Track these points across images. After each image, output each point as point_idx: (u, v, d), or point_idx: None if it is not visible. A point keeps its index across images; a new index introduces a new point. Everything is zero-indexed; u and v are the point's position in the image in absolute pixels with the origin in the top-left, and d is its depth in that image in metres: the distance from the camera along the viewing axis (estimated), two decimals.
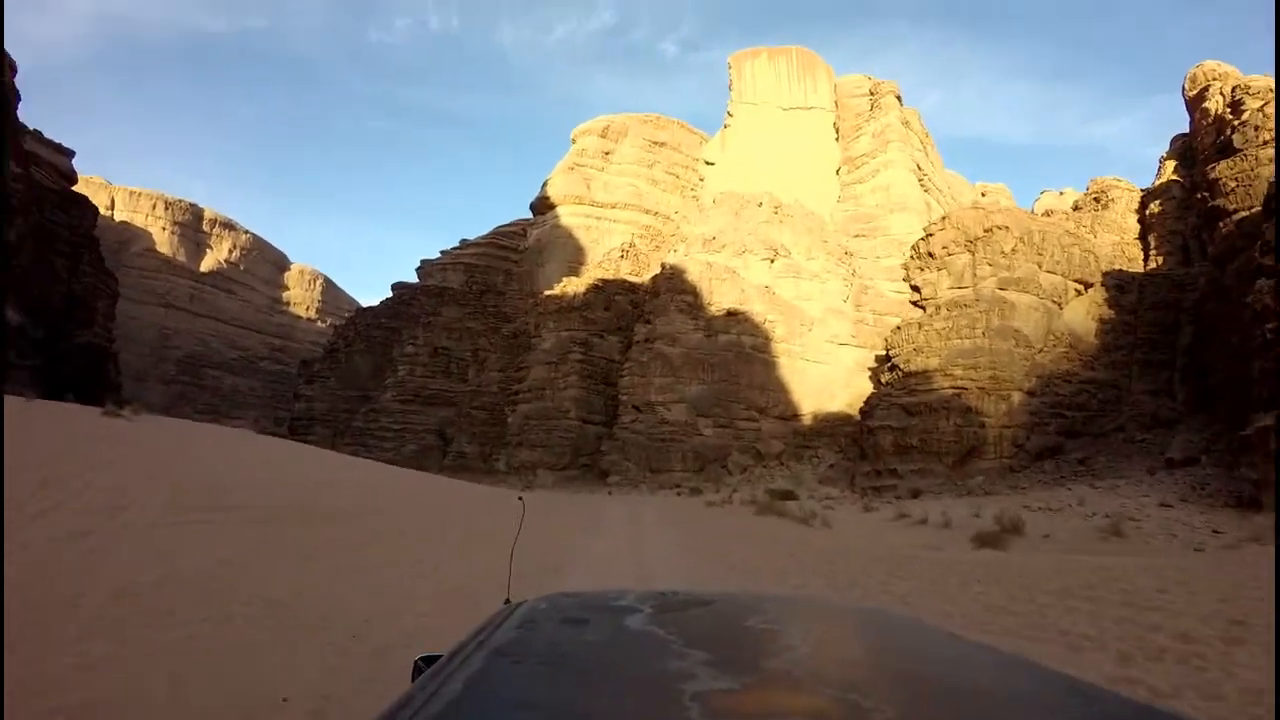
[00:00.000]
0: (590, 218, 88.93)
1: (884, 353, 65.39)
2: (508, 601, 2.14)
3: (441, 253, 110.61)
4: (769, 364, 61.85)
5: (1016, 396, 41.54)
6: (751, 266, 65.81)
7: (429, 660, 2.14)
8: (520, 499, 4.86)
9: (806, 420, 61.80)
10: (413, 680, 2.05)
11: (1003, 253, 45.33)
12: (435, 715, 1.15)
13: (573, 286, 71.26)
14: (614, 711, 1.24)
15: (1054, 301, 45.26)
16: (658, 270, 69.12)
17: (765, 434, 59.49)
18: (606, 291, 70.76)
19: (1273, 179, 30.29)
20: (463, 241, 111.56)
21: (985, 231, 46.06)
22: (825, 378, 63.79)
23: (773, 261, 66.91)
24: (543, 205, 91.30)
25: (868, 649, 1.81)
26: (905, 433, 40.40)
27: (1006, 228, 46.21)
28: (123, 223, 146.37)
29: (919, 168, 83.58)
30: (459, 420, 73.02)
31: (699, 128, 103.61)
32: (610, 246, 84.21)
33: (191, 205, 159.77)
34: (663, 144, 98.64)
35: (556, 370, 64.95)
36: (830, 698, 1.27)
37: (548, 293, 72.88)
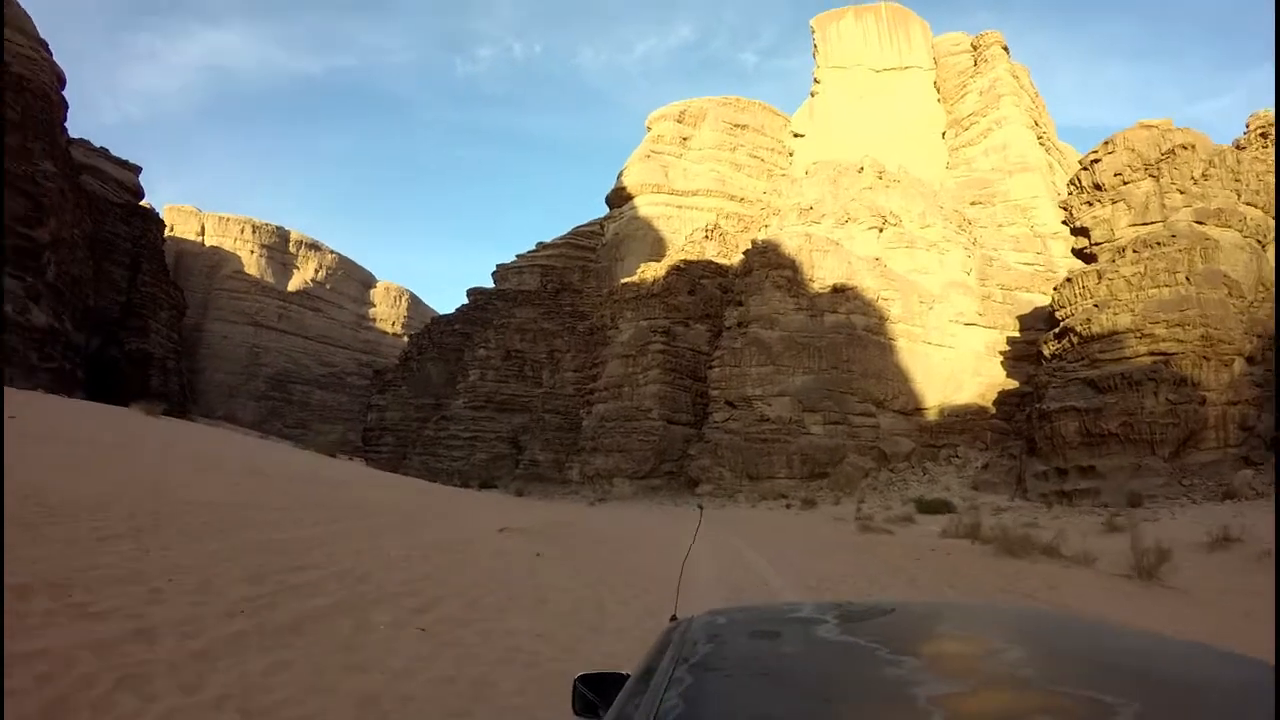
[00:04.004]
0: (670, 206, 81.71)
1: (1015, 334, 55.40)
2: (674, 618, 2.08)
3: (517, 256, 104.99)
4: (885, 348, 52.11)
5: (1238, 363, 30.75)
6: (857, 237, 56.18)
7: (590, 679, 2.20)
8: (700, 507, 4.66)
9: (931, 415, 51.66)
10: (574, 700, 2.19)
11: (1193, 179, 34.54)
12: None
13: (651, 272, 63.19)
14: (852, 716, 1.24)
15: (1258, 241, 34.10)
16: (746, 256, 60.34)
17: (886, 431, 49.68)
18: (690, 274, 62.37)
19: None
20: (539, 244, 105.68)
21: (1165, 154, 35.35)
22: (951, 364, 53.53)
23: (881, 230, 57.10)
24: (619, 197, 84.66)
25: (1073, 648, 1.68)
26: (1098, 416, 30.17)
27: (1192, 147, 35.37)
28: (213, 247, 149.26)
29: (1036, 123, 72.30)
30: (532, 426, 66.05)
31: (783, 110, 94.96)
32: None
33: (278, 228, 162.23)
34: (744, 126, 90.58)
35: (635, 364, 56.94)
36: (1069, 697, 1.24)
37: (624, 280, 65.14)
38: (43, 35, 53.54)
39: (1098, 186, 36.97)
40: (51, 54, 54.90)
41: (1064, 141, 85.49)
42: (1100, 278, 34.15)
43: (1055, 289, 39.39)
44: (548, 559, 12.08)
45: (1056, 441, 32.00)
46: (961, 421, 49.98)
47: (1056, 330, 36.97)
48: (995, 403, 50.33)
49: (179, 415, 54.73)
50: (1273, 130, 46.71)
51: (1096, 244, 36.47)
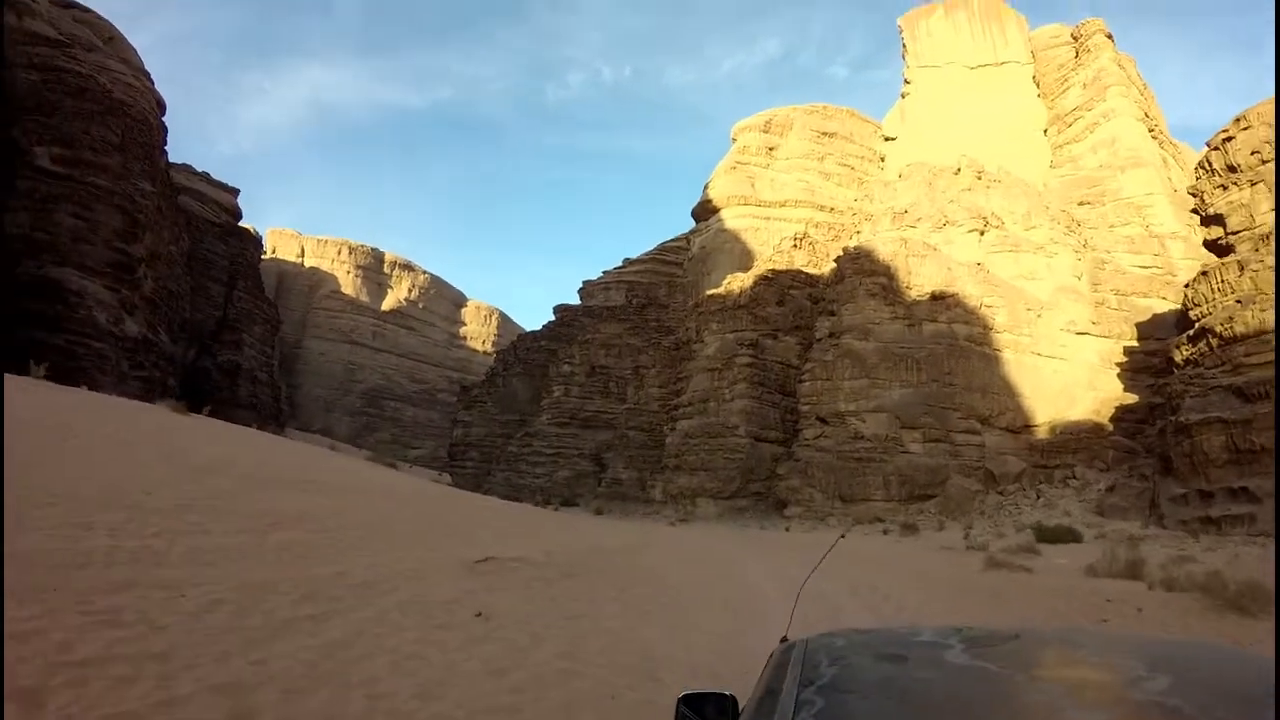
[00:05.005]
0: (757, 218, 79.52)
1: (1133, 343, 50.34)
2: (784, 640, 2.04)
3: (604, 273, 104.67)
4: (990, 359, 48.25)
5: None
6: (956, 241, 52.52)
7: (694, 699, 2.12)
8: (843, 535, 4.30)
9: (1041, 432, 47.37)
10: (677, 718, 2.10)
11: None
12: None
13: (738, 282, 60.97)
14: None
15: None
16: (837, 264, 57.45)
17: (993, 450, 45.80)
18: (778, 284, 59.84)
19: None
20: (625, 260, 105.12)
21: None
22: (1063, 377, 49.09)
23: (983, 233, 53.22)
24: (705, 210, 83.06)
25: (1218, 677, 1.61)
26: (1247, 429, 26.23)
27: None
28: (312, 268, 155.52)
29: (1146, 115, 66.62)
30: (615, 443, 64.70)
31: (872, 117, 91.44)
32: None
33: (373, 249, 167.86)
34: (832, 134, 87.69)
35: (721, 378, 54.77)
36: None
37: (710, 292, 63.13)
38: (166, 75, 56.56)
39: (1232, 168, 32.68)
40: (153, 83, 57.85)
41: (1179, 141, 79.18)
42: (1242, 269, 29.96)
43: (1187, 285, 35.12)
44: (499, 619, 8.31)
45: (1198, 459, 28.01)
46: (1076, 440, 45.49)
47: (1191, 332, 32.81)
48: (1113, 419, 45.70)
49: (269, 426, 56.53)
50: None
51: (1234, 232, 32.17)
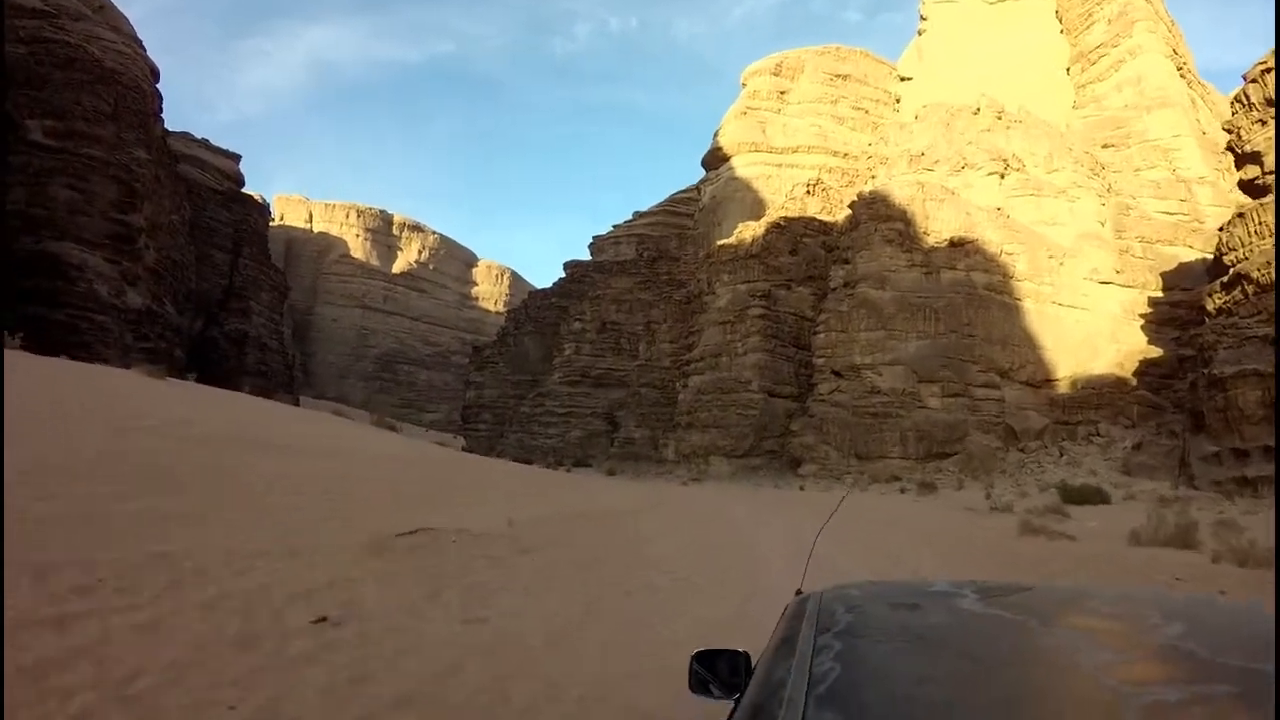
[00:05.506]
0: (769, 165, 77.26)
1: (1158, 294, 48.43)
2: (799, 592, 2.04)
3: (614, 227, 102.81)
4: (1010, 309, 46.73)
5: None
6: (975, 184, 50.54)
7: (704, 656, 2.19)
8: (846, 494, 4.61)
9: (1063, 386, 45.96)
10: (691, 677, 2.18)
11: None
12: (830, 691, 1.17)
13: (750, 231, 59.23)
14: (1023, 681, 1.26)
15: None
16: (852, 209, 55.53)
17: (1013, 405, 44.57)
18: (791, 232, 58.07)
19: None
20: (636, 214, 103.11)
21: None
22: (1085, 328, 47.48)
23: (1003, 177, 51.17)
24: (715, 158, 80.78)
25: (1233, 624, 1.65)
26: None
27: None
28: (321, 233, 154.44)
29: (1175, 52, 63.32)
30: (628, 401, 63.93)
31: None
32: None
33: (381, 211, 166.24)
34: (846, 76, 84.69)
35: (733, 331, 53.54)
36: (1244, 670, 1.23)
37: (721, 242, 61.48)
38: (164, 45, 55.28)
39: (1270, 101, 30.65)
40: (145, 50, 56.39)
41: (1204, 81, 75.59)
42: None
43: (1221, 228, 33.34)
44: (355, 625, 6.08)
45: (1232, 415, 26.68)
46: (1099, 395, 44.10)
47: (1225, 279, 31.17)
48: (1136, 374, 44.20)
49: (279, 394, 56.32)
50: None
51: (1272, 171, 30.32)
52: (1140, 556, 12.03)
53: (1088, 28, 67.64)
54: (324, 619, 6.05)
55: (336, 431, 25.08)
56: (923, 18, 77.51)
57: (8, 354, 18.49)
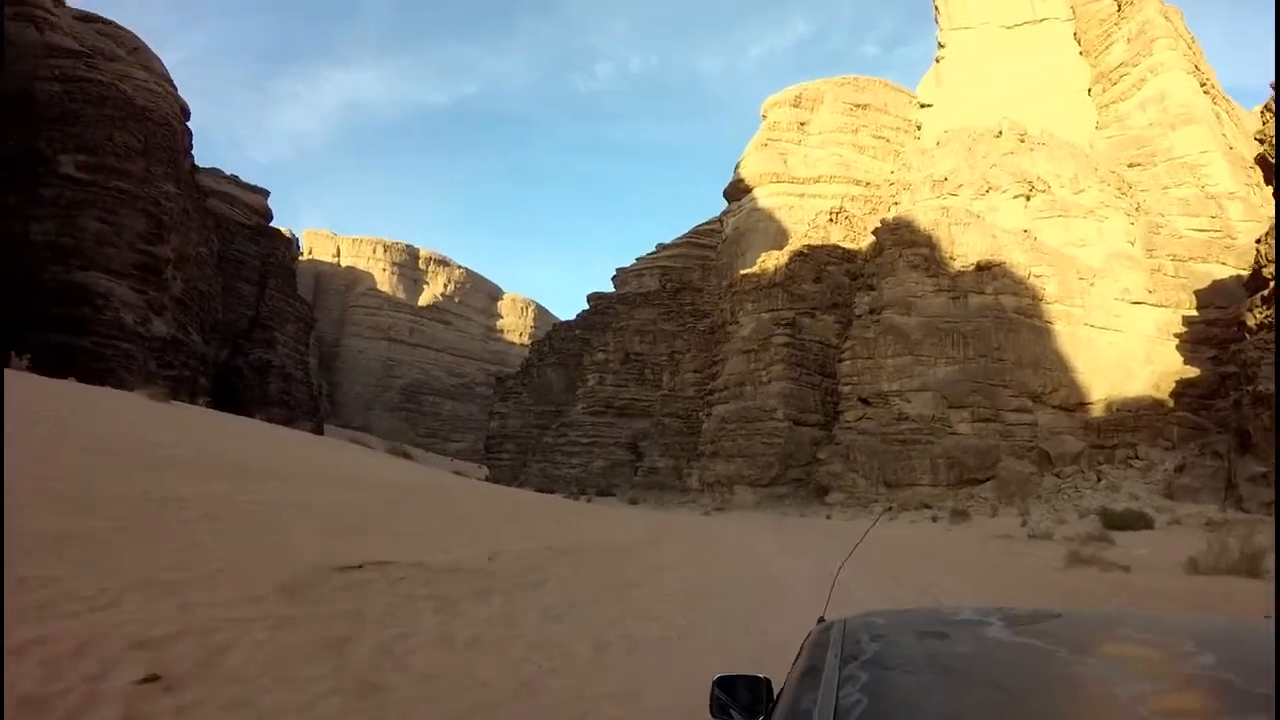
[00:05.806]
0: (791, 195, 77.28)
1: (1193, 313, 47.07)
2: (821, 620, 2.02)
3: (637, 259, 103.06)
4: (1040, 332, 45.62)
5: None
6: (1001, 207, 49.78)
7: (726, 680, 2.15)
8: (875, 522, 4.01)
9: (1097, 410, 44.56)
10: (712, 702, 2.12)
11: None
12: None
13: (773, 260, 58.87)
14: (1054, 712, 1.24)
15: None
16: (875, 236, 54.98)
17: (1046, 429, 43.27)
18: (814, 260, 57.63)
19: None
20: (659, 245, 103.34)
21: None
22: (1118, 350, 46.15)
23: (1028, 199, 50.38)
24: (737, 190, 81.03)
25: (1266, 655, 1.50)
26: None
27: None
28: (349, 267, 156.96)
29: (1197, 68, 62.48)
30: (651, 431, 63.30)
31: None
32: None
33: (407, 246, 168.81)
34: (865, 106, 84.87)
35: (757, 360, 52.89)
36: (1270, 697, 1.20)
37: (744, 271, 61.15)
38: (201, 89, 56.89)
39: None
40: (176, 88, 58.01)
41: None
42: None
43: (1259, 240, 32.34)
44: (193, 691, 4.51)
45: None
46: (1135, 417, 42.66)
47: (1265, 293, 30.07)
48: (1173, 395, 42.74)
49: (301, 423, 56.40)
50: None
51: None
52: (1209, 589, 10.55)
53: (1107, 48, 67.06)
54: (155, 678, 4.57)
55: (339, 458, 23.87)
56: (941, 45, 77.42)
57: (12, 374, 18.40)
